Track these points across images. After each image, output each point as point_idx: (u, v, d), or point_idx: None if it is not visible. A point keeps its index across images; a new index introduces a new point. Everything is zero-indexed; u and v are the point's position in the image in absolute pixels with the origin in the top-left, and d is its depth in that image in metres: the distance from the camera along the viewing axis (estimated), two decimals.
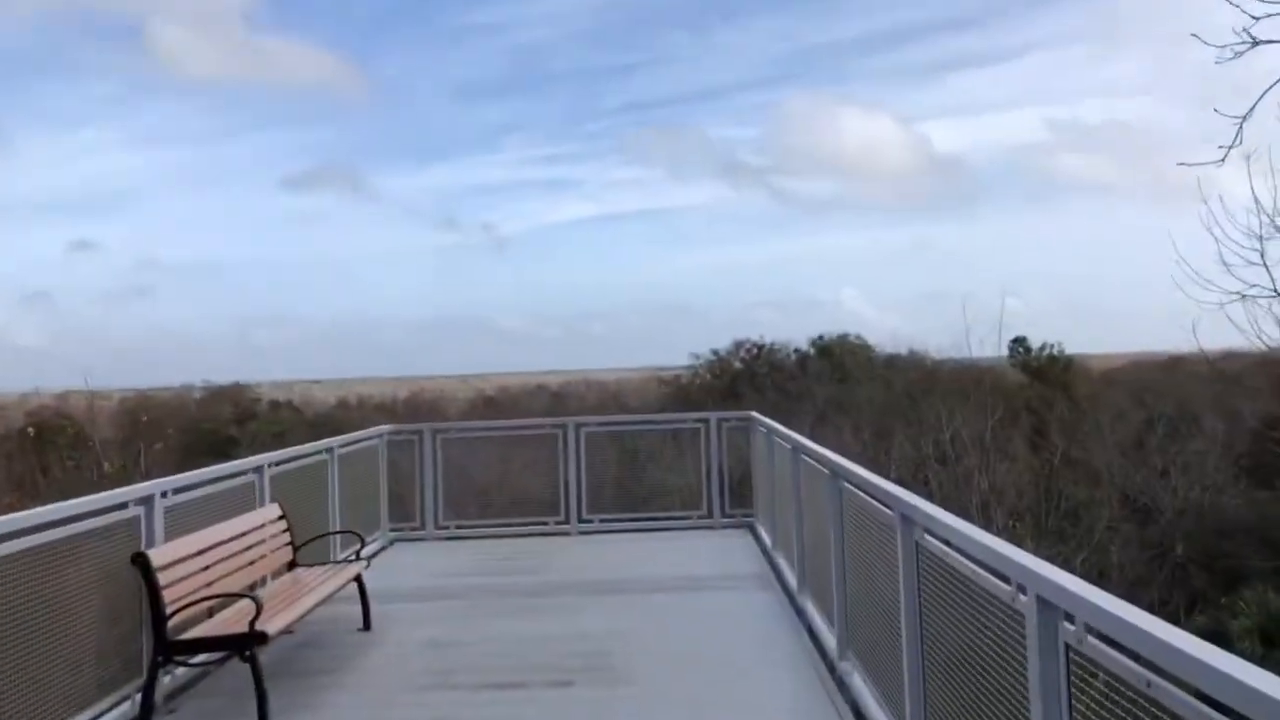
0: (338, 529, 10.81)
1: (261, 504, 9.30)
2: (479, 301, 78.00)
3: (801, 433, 10.49)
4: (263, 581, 8.90)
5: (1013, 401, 39.24)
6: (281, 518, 9.19)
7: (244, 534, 8.52)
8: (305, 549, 9.42)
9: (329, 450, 11.04)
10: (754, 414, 12.84)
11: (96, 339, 67.03)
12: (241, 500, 9.10)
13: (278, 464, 9.74)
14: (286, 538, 9.19)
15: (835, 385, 44.28)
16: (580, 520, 12.90)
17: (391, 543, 12.80)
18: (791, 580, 9.70)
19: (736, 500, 13.01)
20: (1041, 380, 44.91)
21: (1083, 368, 47.84)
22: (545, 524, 12.93)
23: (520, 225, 75.71)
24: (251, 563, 8.54)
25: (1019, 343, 48.46)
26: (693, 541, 12.32)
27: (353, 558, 9.62)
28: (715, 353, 47.64)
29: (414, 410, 52.13)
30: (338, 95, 73.17)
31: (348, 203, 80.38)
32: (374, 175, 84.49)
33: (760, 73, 72.43)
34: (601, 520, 12.93)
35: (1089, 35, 63.51)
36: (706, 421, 13.04)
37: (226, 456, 44.77)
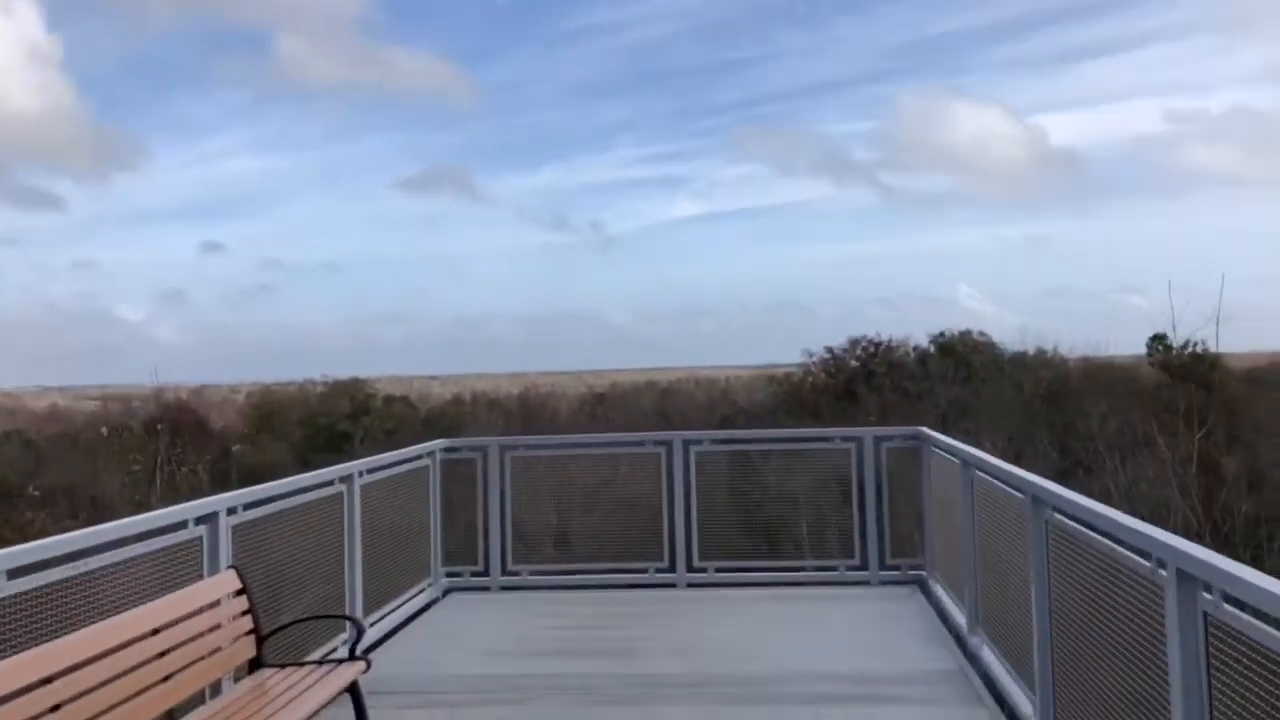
0: (350, 597, 7.36)
1: (211, 569, 5.88)
2: (588, 299, 75.09)
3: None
4: (203, 695, 5.46)
5: (1155, 402, 34.40)
6: (241, 592, 5.73)
7: (170, 624, 5.08)
8: (284, 635, 5.97)
9: (345, 479, 7.53)
10: (925, 430, 8.98)
11: (225, 336, 66.08)
12: (180, 565, 5.69)
13: (250, 504, 6.28)
14: (247, 623, 5.72)
15: (959, 385, 39.74)
16: (690, 569, 9.18)
17: (446, 593, 9.27)
18: (1016, 695, 5.88)
19: (900, 546, 9.16)
20: (1186, 379, 39.63)
21: (1225, 366, 42.53)
22: (644, 572, 9.24)
23: (630, 224, 72.43)
24: (183, 667, 5.09)
25: (1158, 340, 42.96)
26: (846, 607, 8.50)
27: (348, 649, 6.04)
28: (830, 350, 43.32)
29: (526, 406, 49.19)
30: (451, 99, 71.16)
31: (461, 204, 78.56)
32: (486, 177, 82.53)
33: (874, 66, 67.51)
34: (718, 570, 9.17)
35: (1214, 24, 57.24)
36: (859, 440, 9.20)
37: (339, 451, 42.38)
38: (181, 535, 5.65)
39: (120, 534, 5.19)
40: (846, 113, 71.60)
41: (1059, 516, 5.09)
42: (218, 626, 5.47)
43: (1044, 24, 62.72)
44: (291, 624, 6.12)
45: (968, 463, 7.12)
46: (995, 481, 6.39)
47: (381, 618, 8.05)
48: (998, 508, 6.35)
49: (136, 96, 72.52)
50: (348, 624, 7.03)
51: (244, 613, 5.64)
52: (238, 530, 6.06)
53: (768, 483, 9.22)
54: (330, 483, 7.36)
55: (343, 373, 52.49)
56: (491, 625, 8.38)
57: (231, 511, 6.02)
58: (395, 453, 8.81)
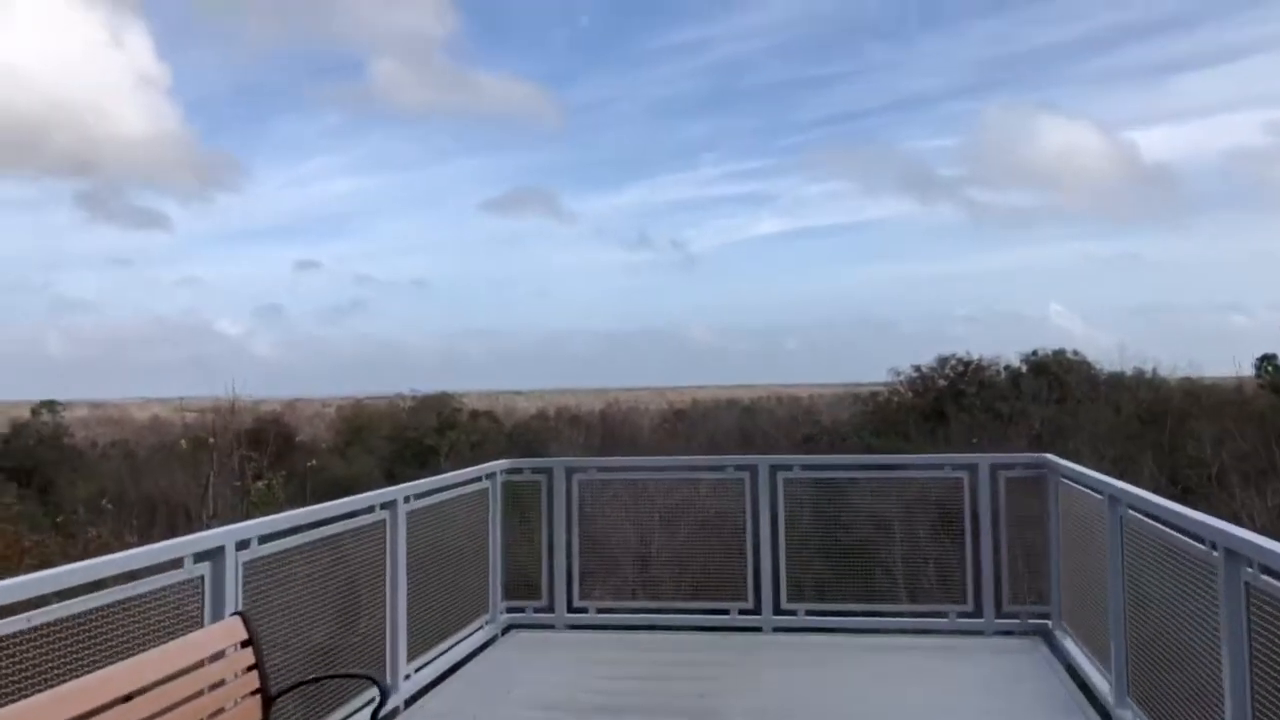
0: (391, 641, 6.34)
1: (215, 615, 4.91)
2: (671, 316, 74.41)
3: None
4: None
5: (1271, 424, 32.11)
6: (248, 643, 4.75)
7: (154, 685, 4.11)
8: (300, 692, 4.97)
9: (388, 505, 6.52)
10: (1051, 457, 7.67)
11: (319, 350, 66.73)
12: (173, 611, 4.72)
13: (268, 536, 5.30)
14: (253, 680, 4.73)
15: (1054, 406, 37.76)
16: (777, 610, 7.96)
17: (507, 630, 8.22)
18: None
19: (1021, 589, 7.85)
20: None
21: None
22: (725, 613, 8.09)
23: (713, 241, 71.37)
24: None
25: (1268, 360, 40.48)
26: (958, 661, 7.19)
27: (370, 713, 4.97)
28: (917, 369, 41.59)
29: (607, 422, 48.39)
30: (536, 120, 71.19)
31: (545, 223, 78.63)
32: (569, 196, 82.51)
33: (961, 81, 65.55)
34: (809, 613, 7.96)
35: None
36: (973, 468, 7.91)
37: (425, 466, 42.02)
38: (176, 576, 4.68)
39: (93, 575, 4.23)
40: (932, 129, 69.76)
41: (1266, 579, 3.88)
42: (219, 684, 4.48)
43: (1136, 37, 60.26)
44: (303, 684, 5.10)
45: (1116, 499, 5.83)
46: (1159, 526, 5.12)
47: (431, 660, 7.02)
48: (1163, 556, 5.08)
49: (238, 120, 74.04)
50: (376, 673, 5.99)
51: (250, 668, 4.64)
52: (251, 568, 5.08)
53: (866, 515, 7.95)
54: (370, 509, 6.35)
55: (431, 388, 52.38)
56: (552, 671, 7.28)
57: (243, 545, 5.04)
58: (451, 474, 7.79)
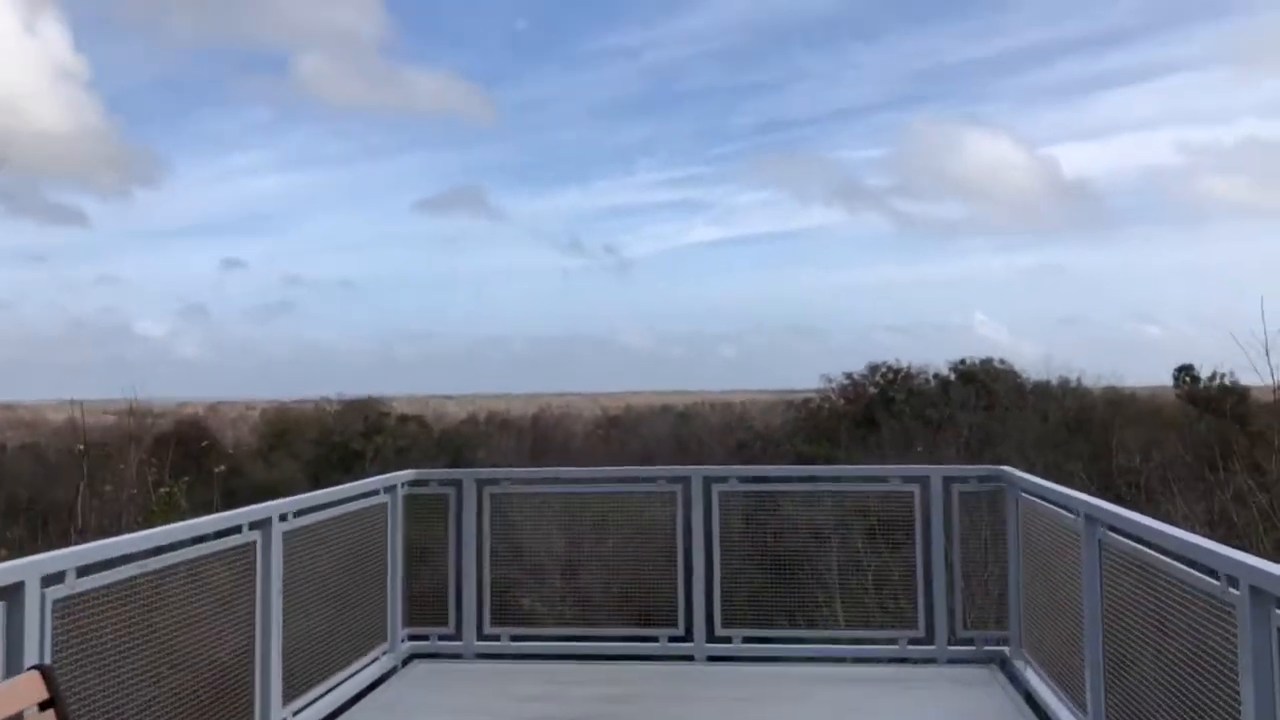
0: (262, 682, 5.29)
1: (11, 669, 3.88)
2: (604, 321, 73.37)
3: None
4: None
5: (1187, 435, 32.23)
6: (49, 705, 3.72)
7: None
8: None
9: (259, 524, 5.49)
10: (1010, 470, 6.91)
11: (245, 352, 64.52)
12: None
13: (89, 568, 4.26)
14: None
15: (983, 413, 37.61)
16: (711, 637, 7.04)
17: (408, 661, 7.22)
18: None
19: (977, 613, 7.07)
20: (1214, 412, 37.41)
21: (1254, 399, 40.34)
22: (655, 641, 7.13)
23: (647, 248, 70.50)
24: None
25: (1184, 371, 40.78)
26: (910, 694, 6.40)
27: None
28: (849, 376, 41.26)
29: (539, 428, 47.32)
30: (469, 121, 69.70)
31: (479, 224, 77.03)
32: (504, 198, 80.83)
33: (891, 92, 65.51)
34: (746, 640, 7.06)
35: (1229, 55, 55.11)
36: (923, 481, 7.09)
37: (350, 472, 40.55)
38: None
39: None
40: (863, 139, 69.71)
41: None
42: None
43: (1061, 54, 60.74)
44: None
45: (1094, 518, 5.05)
46: (1152, 553, 4.33)
47: (314, 700, 6.00)
48: (1158, 588, 4.29)
49: (160, 114, 71.31)
50: None
51: None
52: (66, 608, 4.04)
53: (808, 532, 7.10)
54: (237, 529, 5.33)
55: (360, 391, 50.83)
56: (459, 707, 6.30)
57: (53, 580, 4.01)
58: (343, 487, 6.76)
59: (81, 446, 17.76)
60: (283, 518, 5.67)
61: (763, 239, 71.48)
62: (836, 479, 7.45)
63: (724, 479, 7.27)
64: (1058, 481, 6.39)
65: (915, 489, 7.08)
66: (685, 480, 7.25)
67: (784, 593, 7.03)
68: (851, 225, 65.16)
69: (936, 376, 41.11)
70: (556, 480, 7.74)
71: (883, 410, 38.31)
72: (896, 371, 41.26)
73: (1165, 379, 41.00)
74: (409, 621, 7.28)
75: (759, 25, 58.81)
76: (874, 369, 41.03)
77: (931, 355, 41.46)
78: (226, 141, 70.99)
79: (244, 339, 68.20)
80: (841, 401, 40.28)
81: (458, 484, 7.40)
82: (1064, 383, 40.91)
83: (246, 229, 78.42)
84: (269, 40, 67.40)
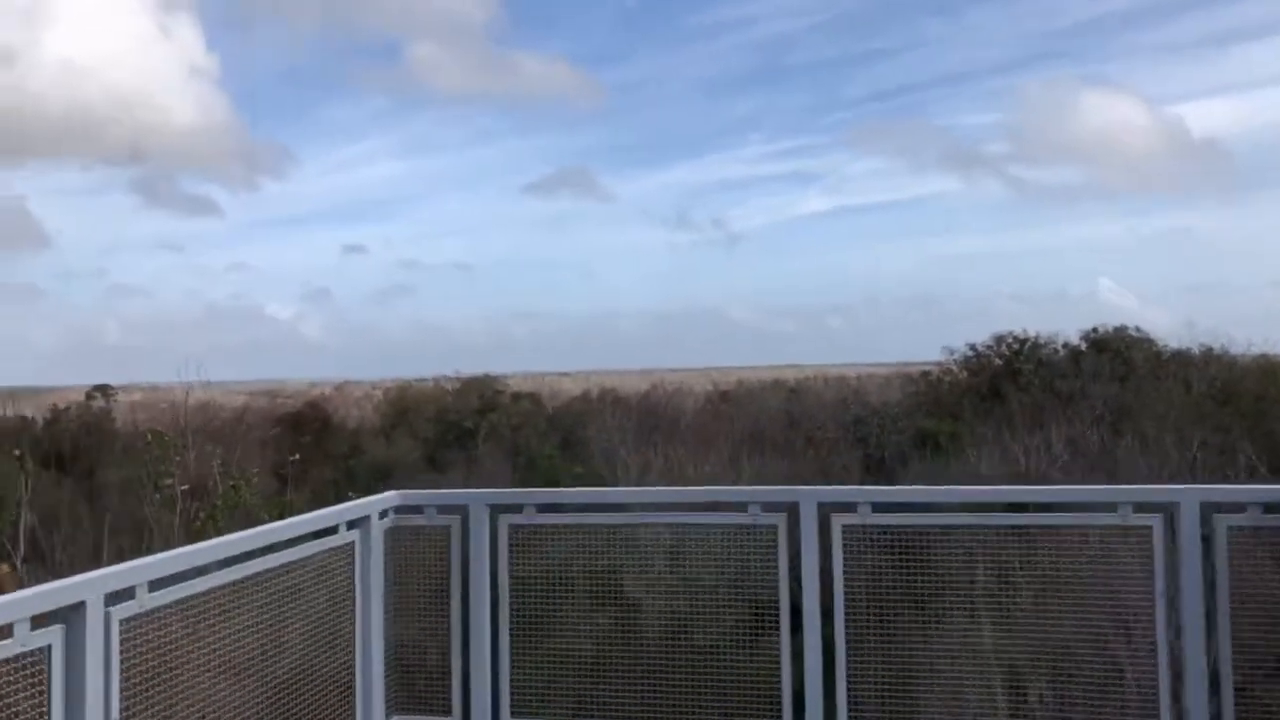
0: None
1: None
2: (714, 296, 70.54)
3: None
4: None
5: None
6: None
7: None
8: None
9: (72, 611, 3.11)
10: None
11: (368, 334, 64.16)
12: None
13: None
14: None
15: (1117, 385, 33.66)
16: None
17: None
18: None
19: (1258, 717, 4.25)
20: None
21: None
22: None
23: (757, 221, 67.25)
24: None
25: None
26: None
27: None
28: (972, 347, 37.57)
29: (650, 404, 45.01)
30: (578, 102, 67.71)
31: (587, 204, 75.18)
32: (611, 177, 78.68)
33: (1007, 55, 60.58)
34: None
35: None
36: (1167, 510, 4.22)
37: (465, 450, 38.85)
38: None
39: None
40: (978, 104, 64.94)
41: None
42: None
43: (1188, 6, 55.06)
44: None
45: None
46: None
47: None
48: None
49: (285, 107, 71.46)
50: None
51: None
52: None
53: (986, 595, 4.37)
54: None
55: (478, 369, 49.57)
56: None
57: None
58: (273, 527, 4.35)
59: (150, 436, 15.97)
60: (114, 598, 3.23)
61: (876, 209, 67.56)
62: (1025, 507, 4.63)
63: (849, 506, 4.56)
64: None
65: (1156, 522, 4.26)
66: (791, 508, 4.58)
67: (946, 689, 4.31)
68: (967, 193, 60.78)
69: (1066, 346, 37.19)
70: (604, 507, 5.09)
71: (1009, 383, 34.66)
72: (1023, 341, 37.42)
73: None
74: (396, 708, 4.82)
75: None
76: (999, 339, 37.25)
77: (1056, 325, 37.42)
78: (346, 131, 70.73)
79: (366, 321, 67.97)
80: (964, 374, 36.70)
81: (463, 511, 4.89)
82: (1207, 351, 36.50)
83: (366, 215, 78.46)
84: (383, 29, 66.56)
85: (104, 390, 48.96)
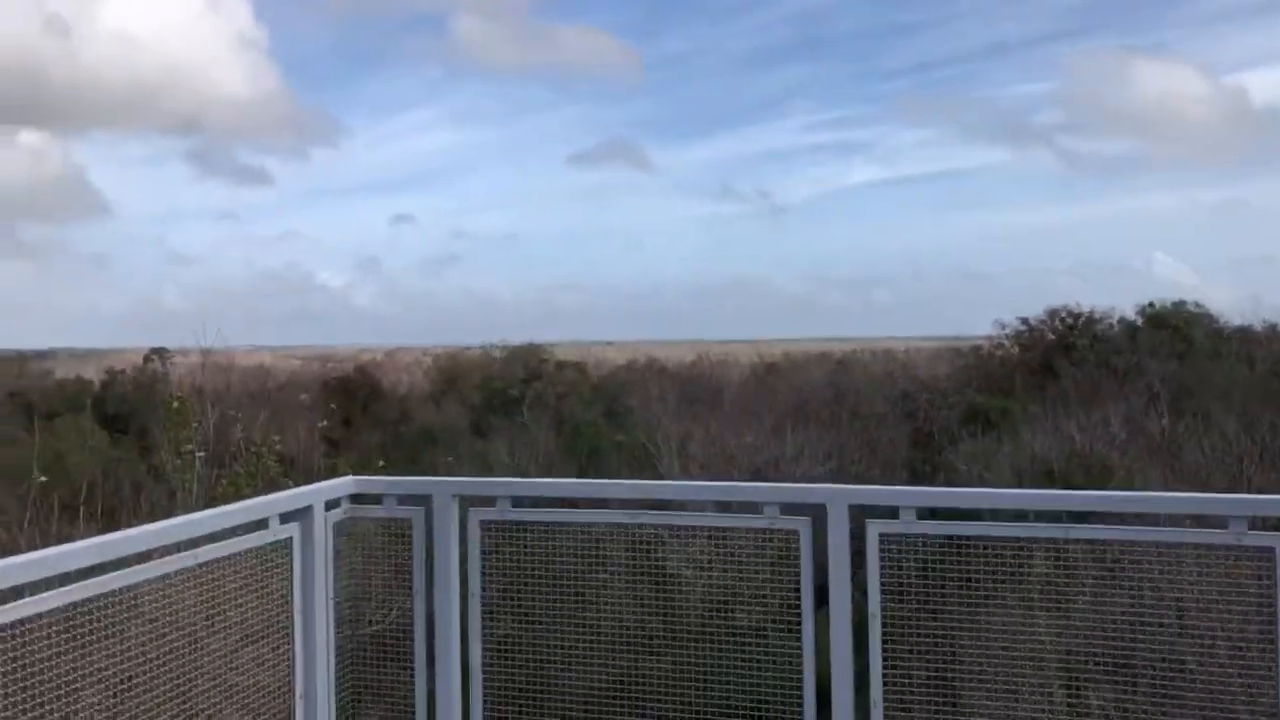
0: None
1: None
2: (760, 268, 69.22)
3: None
4: None
5: None
6: None
7: None
8: None
9: None
10: None
11: (418, 301, 64.02)
12: None
13: None
14: None
15: (1175, 362, 32.06)
16: None
17: None
18: None
19: None
20: None
21: None
22: None
23: (804, 192, 65.80)
24: None
25: None
26: None
27: None
28: (1024, 321, 36.09)
29: (694, 375, 44.08)
30: (622, 73, 66.64)
31: (632, 175, 74.25)
32: (656, 149, 77.57)
33: (1059, 23, 58.24)
34: None
35: None
36: None
37: (510, 417, 38.24)
38: None
39: None
40: (1028, 73, 62.59)
41: None
42: None
43: None
44: None
45: None
46: None
47: None
48: None
49: (334, 78, 71.26)
50: None
51: None
52: None
53: (1067, 629, 3.43)
54: None
55: (525, 338, 49.21)
56: None
57: None
58: (193, 517, 3.54)
59: (176, 398, 15.30)
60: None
61: (924, 179, 65.71)
62: (1112, 518, 3.65)
63: (889, 511, 3.63)
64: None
65: None
66: (818, 511, 3.67)
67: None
68: (1017, 164, 58.73)
69: (1121, 321, 35.58)
70: (590, 503, 4.15)
71: (1062, 358, 33.21)
72: (1077, 316, 35.86)
73: None
74: None
75: None
76: (1052, 313, 35.73)
77: (1110, 299, 35.72)
78: (394, 102, 70.35)
79: (416, 289, 67.83)
80: (1016, 349, 35.28)
81: (425, 502, 4.03)
82: (1271, 328, 34.69)
83: (415, 185, 78.39)
84: (428, 1, 65.80)
85: (160, 353, 49.15)
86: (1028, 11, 55.56)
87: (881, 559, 3.57)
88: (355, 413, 43.59)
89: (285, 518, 3.74)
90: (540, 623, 3.95)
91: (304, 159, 70.26)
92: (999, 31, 59.23)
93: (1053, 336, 35.60)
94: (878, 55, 61.67)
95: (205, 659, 3.41)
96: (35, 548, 3.43)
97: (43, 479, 12.10)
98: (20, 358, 48.67)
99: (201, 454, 12.79)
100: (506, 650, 3.93)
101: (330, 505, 3.96)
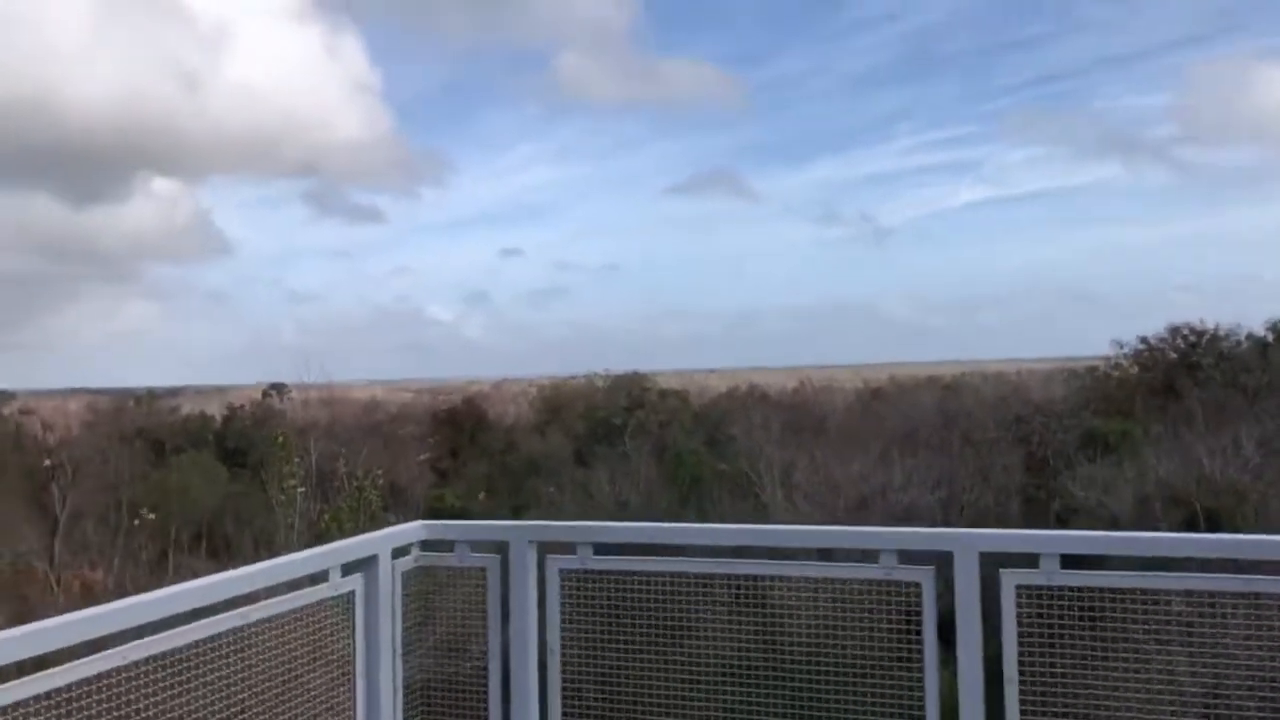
0: None
1: None
2: (864, 292, 67.88)
3: None
4: None
5: None
6: None
7: None
8: None
9: None
10: None
11: (524, 333, 64.74)
12: None
13: None
14: None
15: None
16: None
17: None
18: None
19: None
20: None
21: None
22: None
23: (907, 214, 64.35)
24: None
25: None
26: None
27: None
28: (1143, 340, 34.23)
29: (799, 403, 43.18)
30: (721, 102, 66.50)
31: (732, 204, 74.01)
32: (757, 176, 77.16)
33: (1172, 33, 55.82)
34: None
35: None
36: None
37: (613, 446, 37.97)
38: None
39: None
40: (1140, 86, 60.07)
41: None
42: None
43: None
44: None
45: None
46: None
47: None
48: None
49: (443, 117, 73.06)
50: None
51: None
52: None
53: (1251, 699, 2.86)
54: None
55: (628, 367, 49.09)
56: None
57: None
58: (243, 571, 3.22)
59: (280, 434, 15.45)
60: None
61: (1033, 198, 63.56)
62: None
63: (1030, 560, 3.08)
64: None
65: None
66: (941, 559, 3.14)
67: None
68: (1130, 178, 56.32)
69: (1250, 338, 33.42)
70: (684, 550, 3.68)
71: (1185, 378, 31.32)
72: (1200, 334, 33.83)
73: None
74: None
75: None
76: (1174, 331, 33.80)
77: (1232, 315, 33.42)
78: (500, 139, 71.80)
79: (523, 321, 68.70)
80: (1135, 369, 33.46)
81: (502, 549, 3.64)
82: None
83: (521, 219, 79.72)
84: (531, 39, 67.07)
85: (278, 388, 50.51)
86: (1142, 21, 53.40)
87: (1019, 615, 3.01)
88: (463, 443, 43.95)
89: (348, 569, 3.39)
90: (625, 684, 3.50)
91: (414, 197, 72.32)
92: (1112, 44, 57.14)
93: (1175, 355, 33.67)
94: (985, 73, 60.13)
95: None
96: (122, 587, 3.12)
97: (150, 514, 12.20)
98: (150, 395, 50.60)
99: (302, 489, 12.78)
100: (587, 716, 3.49)
101: (398, 553, 3.60)
